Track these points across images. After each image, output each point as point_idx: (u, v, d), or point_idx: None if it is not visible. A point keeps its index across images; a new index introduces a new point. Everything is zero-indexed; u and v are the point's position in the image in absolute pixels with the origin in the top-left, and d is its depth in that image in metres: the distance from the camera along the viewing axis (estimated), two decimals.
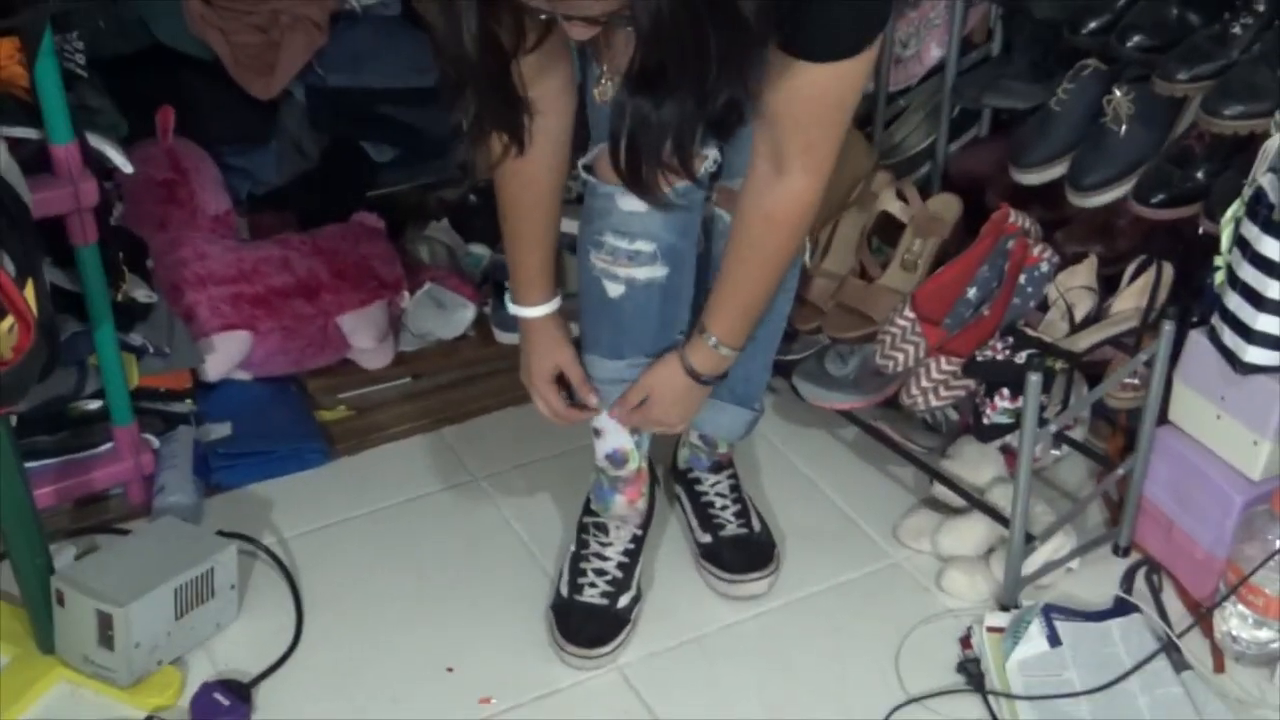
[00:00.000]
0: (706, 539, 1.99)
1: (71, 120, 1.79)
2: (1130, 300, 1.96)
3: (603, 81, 1.54)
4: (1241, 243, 1.72)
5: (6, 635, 1.82)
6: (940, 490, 2.06)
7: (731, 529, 1.99)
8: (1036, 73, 2.21)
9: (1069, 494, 2.13)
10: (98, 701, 1.76)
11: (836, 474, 2.20)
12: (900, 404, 1.98)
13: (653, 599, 1.94)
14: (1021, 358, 1.85)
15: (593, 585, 1.87)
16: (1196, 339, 1.84)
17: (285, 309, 2.28)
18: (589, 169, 1.67)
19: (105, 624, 1.72)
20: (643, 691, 1.81)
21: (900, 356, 1.94)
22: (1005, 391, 1.86)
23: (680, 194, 1.60)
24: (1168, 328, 1.84)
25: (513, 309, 1.76)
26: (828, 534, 2.08)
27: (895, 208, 2.15)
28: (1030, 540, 1.89)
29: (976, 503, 1.98)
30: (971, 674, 1.81)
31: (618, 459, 1.86)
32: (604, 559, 1.89)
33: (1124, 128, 1.97)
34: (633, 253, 1.66)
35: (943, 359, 1.91)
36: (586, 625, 1.85)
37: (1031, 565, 1.92)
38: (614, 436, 1.83)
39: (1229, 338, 1.76)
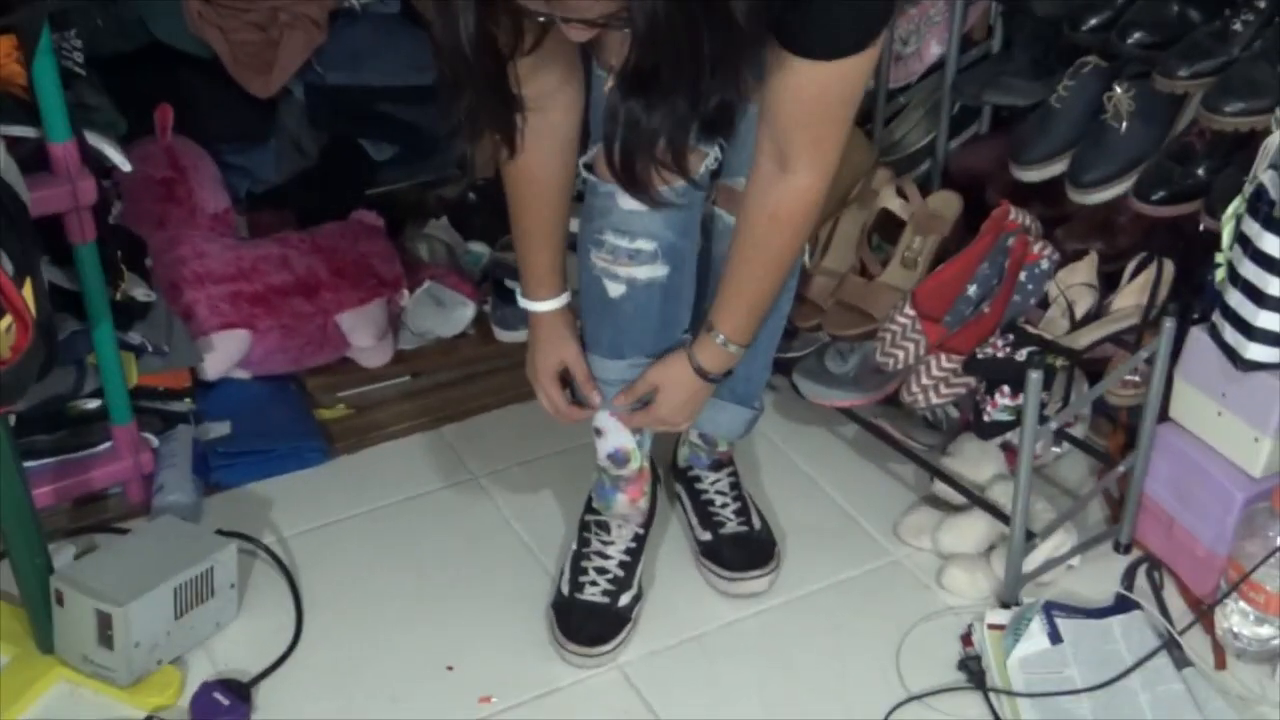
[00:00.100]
0: (706, 537, 1.99)
1: (69, 118, 1.79)
2: (1131, 297, 1.96)
3: (610, 81, 1.53)
4: (1242, 239, 1.71)
5: (6, 635, 1.82)
6: (941, 488, 2.05)
7: (731, 527, 1.99)
8: (1037, 70, 2.21)
9: (1070, 491, 2.13)
10: (97, 701, 1.76)
11: (837, 471, 2.20)
12: (901, 401, 1.98)
13: (653, 597, 1.94)
14: (1022, 355, 1.85)
15: (594, 584, 1.87)
16: (1197, 336, 1.84)
17: (284, 307, 2.28)
18: (589, 168, 1.67)
19: (105, 623, 1.72)
20: (643, 690, 1.81)
21: (900, 354, 1.94)
22: (1006, 389, 1.85)
23: (680, 193, 1.59)
24: (1168, 325, 1.85)
25: (522, 303, 1.77)
26: (828, 532, 2.08)
27: (895, 205, 2.15)
28: (1031, 537, 1.89)
29: (977, 500, 1.98)
30: (972, 671, 1.81)
31: (619, 458, 1.86)
32: (606, 557, 1.89)
33: (1124, 125, 1.97)
34: (633, 251, 1.66)
35: (943, 356, 1.91)
36: (587, 624, 1.85)
37: (1032, 562, 1.92)
38: (615, 436, 1.83)
39: (1230, 334, 1.75)
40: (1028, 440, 1.80)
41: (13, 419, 1.89)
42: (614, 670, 1.84)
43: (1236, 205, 1.73)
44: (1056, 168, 2.06)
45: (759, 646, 1.88)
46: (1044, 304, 1.97)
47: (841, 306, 2.08)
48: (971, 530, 1.98)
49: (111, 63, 2.21)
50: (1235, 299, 1.73)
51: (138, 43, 2.38)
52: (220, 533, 1.94)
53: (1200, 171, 1.90)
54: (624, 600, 1.88)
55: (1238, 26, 1.86)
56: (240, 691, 1.75)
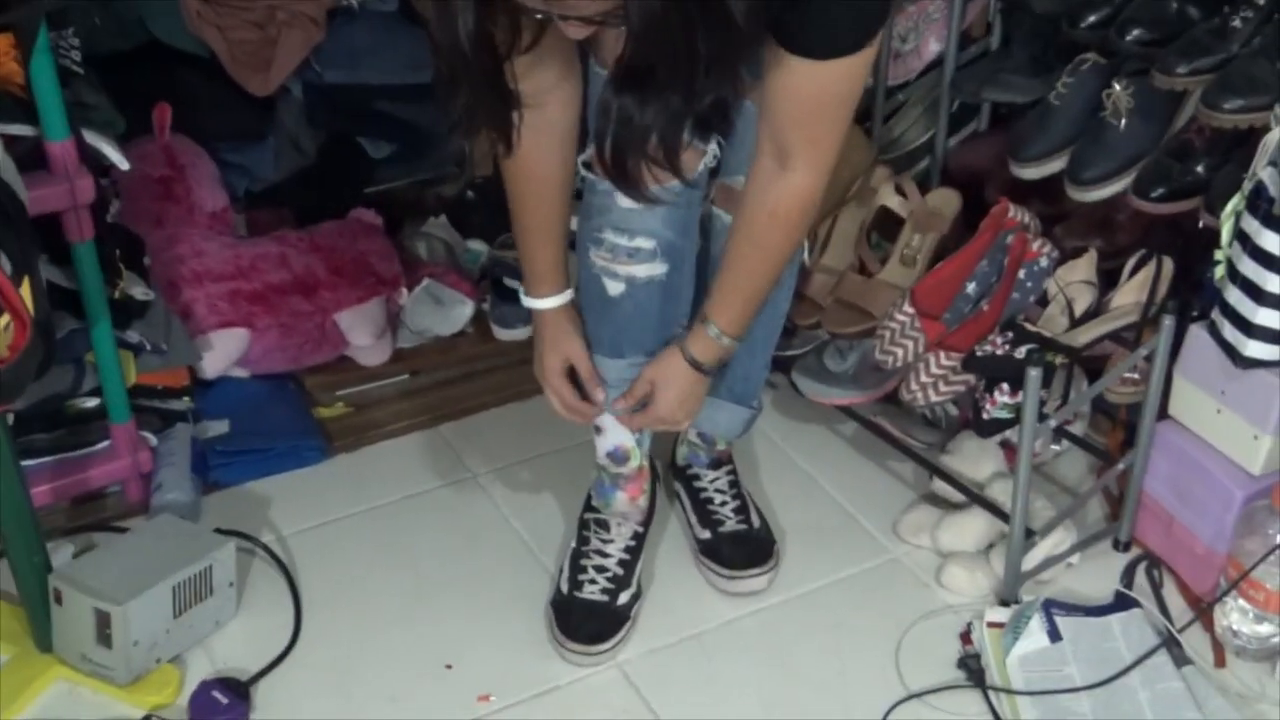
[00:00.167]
0: (706, 535, 1.99)
1: (67, 117, 1.78)
2: (1130, 295, 1.96)
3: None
4: (1242, 237, 1.71)
5: (4, 634, 1.82)
6: (940, 486, 2.05)
7: (731, 525, 1.99)
8: (1036, 67, 2.20)
9: (1069, 489, 2.13)
10: (96, 700, 1.76)
11: (836, 470, 2.20)
12: (900, 399, 1.98)
13: (652, 595, 1.94)
14: (1021, 353, 1.85)
15: (593, 582, 1.87)
16: (1196, 333, 1.84)
17: (283, 306, 2.27)
18: (588, 165, 1.67)
19: (103, 622, 1.72)
20: (642, 688, 1.81)
21: (899, 352, 1.94)
22: (1005, 386, 1.85)
23: (675, 191, 1.60)
24: (1168, 322, 1.84)
25: (525, 301, 1.76)
26: (827, 530, 2.08)
27: (894, 203, 2.15)
28: (1030, 535, 1.89)
29: (976, 498, 1.98)
30: (972, 670, 1.81)
31: (619, 456, 1.85)
32: (605, 556, 1.89)
33: (1123, 122, 1.97)
34: (632, 250, 1.66)
35: (942, 354, 1.91)
36: (586, 622, 1.85)
37: (1031, 560, 1.92)
38: (615, 433, 1.83)
39: (1229, 332, 1.75)
40: (1027, 438, 1.79)
41: (11, 417, 1.90)
42: (613, 669, 1.84)
43: (1236, 202, 1.73)
44: (1055, 165, 2.06)
45: (758, 645, 1.88)
46: (1043, 301, 1.96)
47: (840, 304, 2.07)
48: (971, 528, 1.98)
49: (109, 61, 2.21)
50: (1234, 296, 1.73)
51: (136, 41, 2.37)
52: (219, 531, 1.94)
53: (1199, 168, 1.90)
54: (623, 599, 1.87)
55: (1237, 23, 1.86)
56: (239, 690, 1.75)
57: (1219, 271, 1.77)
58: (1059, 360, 1.88)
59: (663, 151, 1.41)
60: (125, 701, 1.75)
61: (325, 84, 2.48)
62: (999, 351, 1.87)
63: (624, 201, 1.62)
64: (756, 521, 2.01)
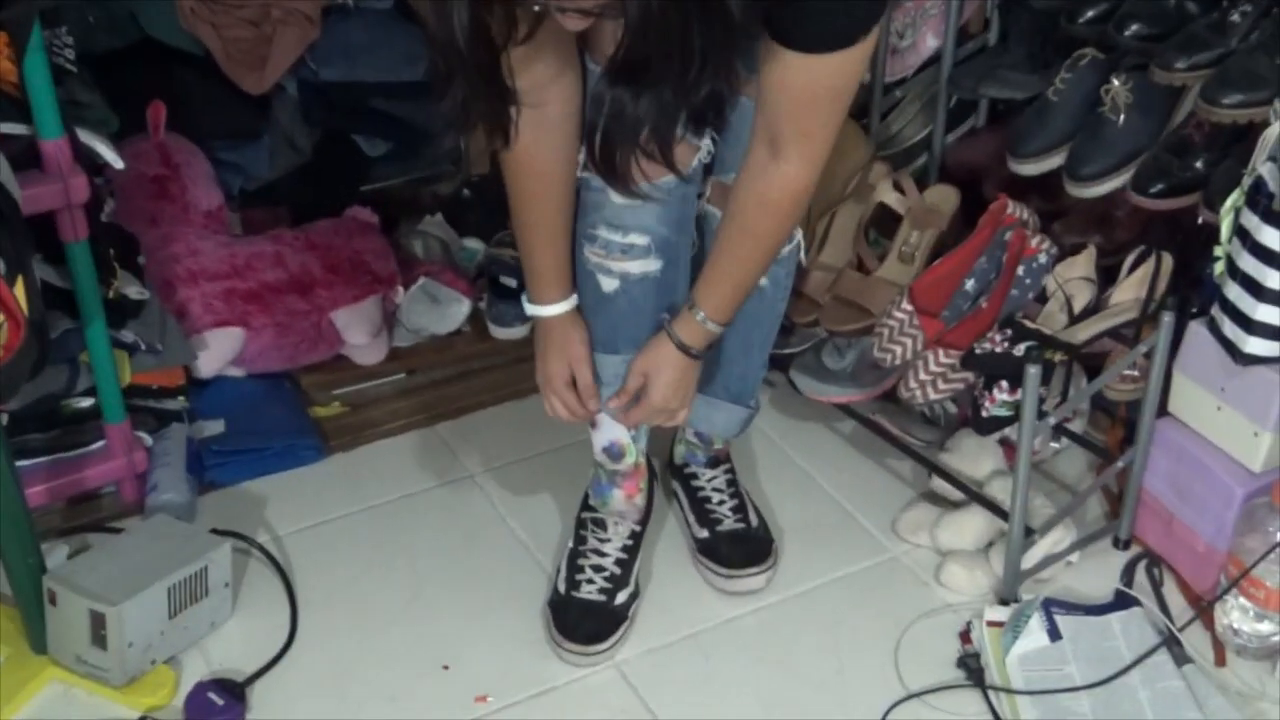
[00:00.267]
0: (704, 534, 1.99)
1: (61, 115, 1.78)
2: (1129, 291, 1.95)
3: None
4: (1241, 232, 1.71)
5: None
6: (939, 484, 2.05)
7: (729, 524, 1.99)
8: (1034, 62, 2.20)
9: (1068, 487, 2.12)
10: (91, 702, 1.75)
11: (834, 468, 2.19)
12: (898, 397, 1.97)
13: (650, 595, 1.93)
14: (1020, 350, 1.84)
15: (590, 581, 1.87)
16: (1196, 330, 1.83)
17: (278, 305, 2.27)
18: (582, 162, 1.66)
19: (98, 623, 1.71)
20: (640, 688, 1.80)
21: (898, 349, 1.93)
22: (1004, 384, 1.84)
23: (666, 188, 1.60)
24: (1167, 319, 1.84)
25: (529, 309, 1.74)
26: (826, 528, 2.07)
27: (892, 199, 2.14)
28: (1030, 534, 1.89)
29: (975, 496, 1.97)
30: (971, 669, 1.80)
31: (615, 452, 1.85)
32: (602, 555, 1.88)
33: (1122, 117, 1.96)
34: (626, 246, 1.66)
35: (941, 351, 1.91)
36: (584, 622, 1.84)
37: (1031, 559, 1.91)
38: (611, 428, 1.82)
39: (1229, 328, 1.75)
40: (1026, 436, 1.79)
41: (5, 418, 1.89)
42: (611, 669, 1.83)
43: (1235, 198, 1.73)
44: (1054, 161, 2.05)
45: (756, 644, 1.87)
46: (1042, 298, 1.96)
47: (838, 302, 2.07)
48: (970, 526, 1.98)
49: (103, 59, 2.21)
50: (1234, 292, 1.73)
51: (130, 39, 2.37)
52: (215, 532, 1.93)
53: (1199, 164, 1.90)
54: (621, 598, 1.87)
55: (1235, 18, 1.85)
56: (235, 691, 1.75)
57: (1218, 267, 1.77)
58: (1058, 357, 1.87)
59: (656, 144, 1.41)
60: (120, 703, 1.74)
61: (321, 82, 2.48)
62: (998, 349, 1.87)
63: (617, 198, 1.62)
64: (754, 520, 2.01)
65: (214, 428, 2.19)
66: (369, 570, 1.99)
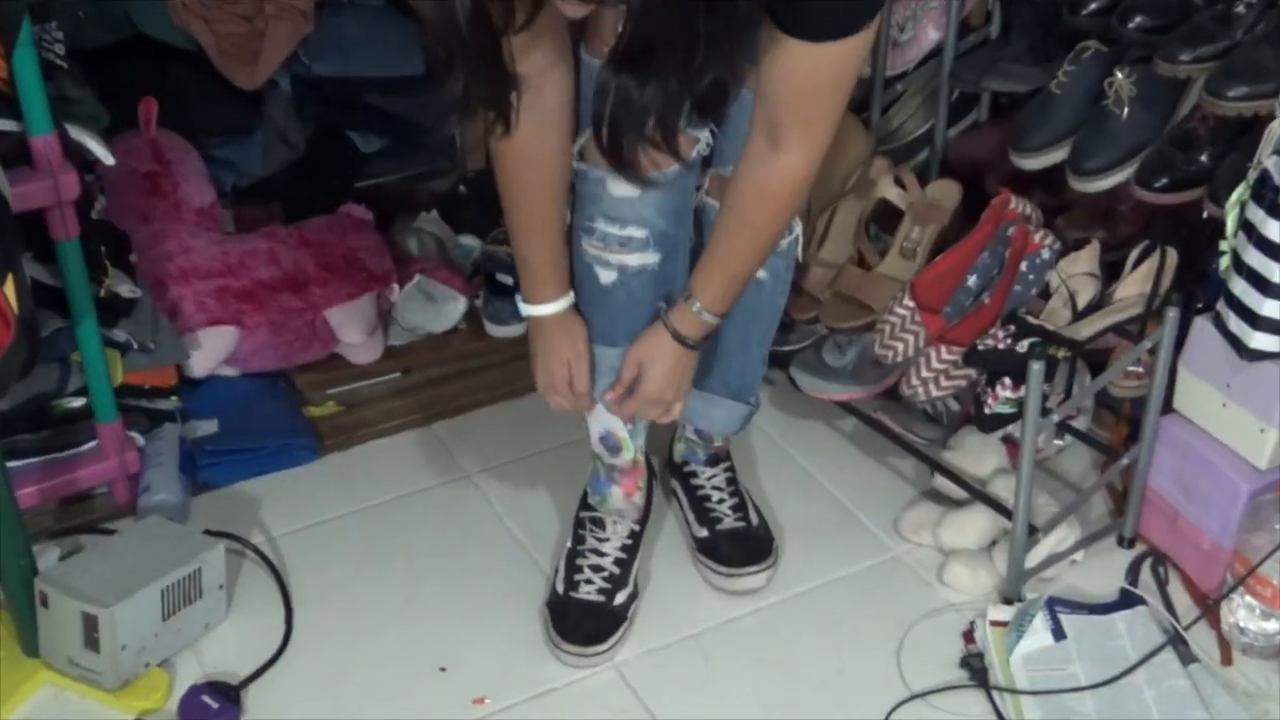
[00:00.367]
0: (703, 533, 1.97)
1: (51, 111, 1.77)
2: (1133, 287, 1.95)
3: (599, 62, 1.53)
4: (1246, 227, 1.70)
5: None
6: (941, 482, 2.04)
7: (729, 522, 1.98)
8: (1036, 55, 2.19)
9: (1072, 485, 2.12)
10: (83, 705, 1.74)
11: (835, 466, 2.18)
12: (900, 395, 1.97)
13: (649, 595, 1.92)
14: (1023, 346, 1.84)
15: (589, 582, 1.85)
16: (1201, 325, 1.83)
17: (272, 303, 2.26)
18: (579, 154, 1.65)
19: (90, 626, 1.70)
20: (640, 689, 1.79)
21: (900, 346, 1.92)
22: (1007, 381, 1.84)
23: (670, 177, 1.59)
24: (1172, 314, 1.83)
25: (524, 309, 1.73)
26: (827, 527, 2.06)
27: (893, 194, 2.14)
28: (1033, 532, 1.88)
29: (978, 494, 1.97)
30: (975, 669, 1.80)
31: (611, 444, 1.84)
32: (601, 555, 1.87)
33: (1126, 110, 1.96)
34: (624, 239, 1.65)
35: (943, 348, 1.90)
36: (583, 622, 1.83)
37: (1035, 558, 1.91)
38: (605, 416, 1.81)
39: (1234, 324, 1.74)
40: (1029, 433, 1.78)
41: None
42: (610, 670, 1.82)
43: (1240, 192, 1.72)
44: (1057, 155, 2.04)
45: (757, 644, 1.86)
46: (1045, 294, 1.96)
47: (839, 298, 2.06)
48: (973, 525, 1.97)
49: (94, 55, 2.21)
50: (1240, 287, 1.72)
51: (121, 34, 2.36)
52: (208, 533, 1.93)
53: (1203, 158, 1.89)
54: (620, 599, 1.86)
55: (1240, 9, 1.85)
56: (229, 694, 1.74)
57: (1224, 262, 1.77)
58: (1062, 354, 1.87)
59: (660, 133, 1.40)
60: (113, 706, 1.73)
61: (314, 77, 2.48)
62: (1001, 345, 1.86)
63: (615, 191, 1.61)
64: (755, 519, 2.00)
65: (207, 427, 2.18)
66: (365, 571, 1.98)
